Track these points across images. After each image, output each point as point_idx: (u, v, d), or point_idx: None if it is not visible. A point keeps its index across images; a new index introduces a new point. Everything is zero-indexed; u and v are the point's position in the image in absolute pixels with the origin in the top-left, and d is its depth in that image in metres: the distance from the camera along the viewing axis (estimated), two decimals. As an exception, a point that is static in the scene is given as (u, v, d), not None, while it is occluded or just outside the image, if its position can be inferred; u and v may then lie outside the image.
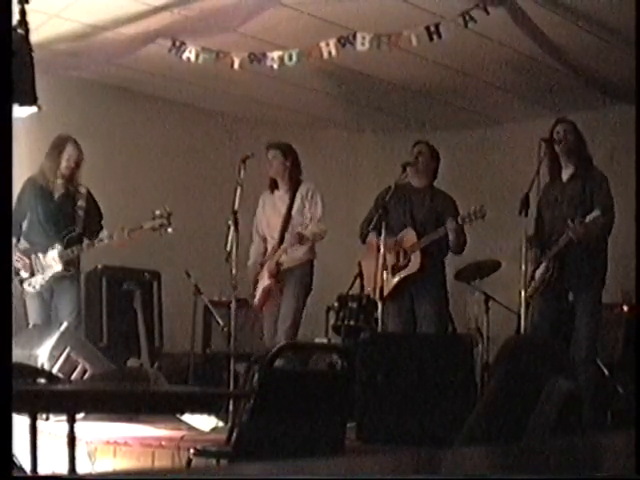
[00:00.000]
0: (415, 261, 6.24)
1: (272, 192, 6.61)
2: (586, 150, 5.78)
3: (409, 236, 6.30)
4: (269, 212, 6.61)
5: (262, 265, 6.55)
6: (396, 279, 6.25)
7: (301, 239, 6.34)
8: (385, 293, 6.10)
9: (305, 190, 6.53)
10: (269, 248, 6.56)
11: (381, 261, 5.96)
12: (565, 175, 5.76)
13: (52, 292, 6.32)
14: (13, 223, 6.03)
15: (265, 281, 6.43)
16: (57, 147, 6.32)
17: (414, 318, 6.26)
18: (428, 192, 6.43)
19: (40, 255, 6.26)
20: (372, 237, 6.25)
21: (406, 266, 6.27)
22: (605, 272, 5.66)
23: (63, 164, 6.30)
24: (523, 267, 5.49)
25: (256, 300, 6.55)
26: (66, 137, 6.34)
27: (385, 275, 6.11)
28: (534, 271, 5.66)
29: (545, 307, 5.68)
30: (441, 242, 6.24)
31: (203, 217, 7.78)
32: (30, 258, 6.26)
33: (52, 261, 6.25)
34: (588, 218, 5.41)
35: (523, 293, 5.50)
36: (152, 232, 6.20)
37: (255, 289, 6.56)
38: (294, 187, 6.52)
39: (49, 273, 6.25)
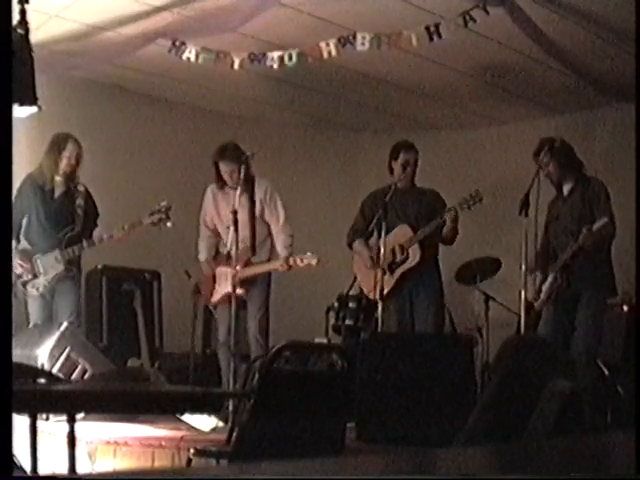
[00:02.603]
0: (414, 254, 6.28)
1: (222, 187, 6.52)
2: (576, 160, 5.79)
3: (404, 231, 6.34)
4: (221, 207, 6.51)
5: (216, 260, 6.51)
6: (396, 275, 6.27)
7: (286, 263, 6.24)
8: (385, 292, 6.12)
9: (262, 191, 6.44)
10: (227, 243, 6.25)
11: (377, 261, 6.00)
12: (566, 189, 5.82)
13: (53, 292, 6.32)
14: (13, 222, 6.03)
15: (228, 288, 6.17)
16: (57, 144, 6.30)
17: (412, 315, 6.29)
18: (414, 190, 6.53)
19: (41, 256, 6.26)
20: (359, 243, 6.33)
21: (405, 261, 6.29)
22: (611, 272, 5.67)
23: (64, 161, 6.29)
24: (523, 267, 5.49)
25: (214, 300, 6.54)
26: (66, 134, 6.34)
27: (382, 275, 6.12)
28: (541, 284, 5.66)
29: (555, 318, 5.66)
30: (434, 235, 6.28)
31: (203, 217, 7.76)
32: (31, 260, 6.26)
33: (54, 261, 6.24)
34: (596, 226, 5.40)
35: (523, 293, 5.50)
36: (152, 227, 6.21)
37: (211, 286, 6.52)
38: (250, 187, 6.40)
39: (51, 274, 6.25)
